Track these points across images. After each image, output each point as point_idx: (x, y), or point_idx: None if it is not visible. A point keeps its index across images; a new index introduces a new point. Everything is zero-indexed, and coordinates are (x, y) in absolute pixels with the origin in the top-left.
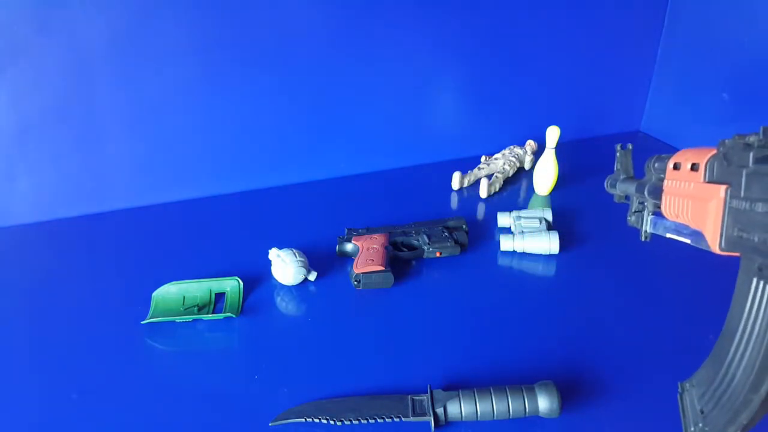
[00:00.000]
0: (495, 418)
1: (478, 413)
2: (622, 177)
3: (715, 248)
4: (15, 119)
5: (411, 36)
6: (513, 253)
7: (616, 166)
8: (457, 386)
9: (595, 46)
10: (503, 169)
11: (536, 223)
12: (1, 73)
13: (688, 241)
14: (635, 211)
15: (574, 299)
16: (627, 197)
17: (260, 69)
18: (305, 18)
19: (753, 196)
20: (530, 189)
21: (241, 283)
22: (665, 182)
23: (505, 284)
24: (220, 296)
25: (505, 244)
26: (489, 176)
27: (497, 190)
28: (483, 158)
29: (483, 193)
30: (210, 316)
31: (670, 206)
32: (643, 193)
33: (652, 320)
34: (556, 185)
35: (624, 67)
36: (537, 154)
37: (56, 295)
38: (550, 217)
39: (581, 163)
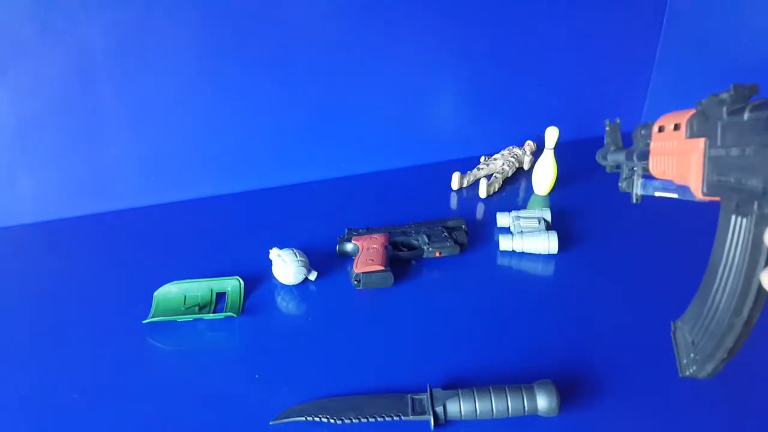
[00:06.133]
0: (494, 416)
1: (478, 412)
2: (612, 149)
3: (699, 194)
4: (16, 119)
5: (411, 36)
6: (512, 253)
7: (606, 139)
8: (456, 385)
9: (595, 46)
10: (502, 169)
11: (535, 223)
12: (2, 73)
13: (675, 195)
14: (626, 178)
15: (573, 299)
16: (618, 167)
17: (260, 69)
18: (305, 19)
19: (727, 144)
20: (529, 189)
21: (242, 282)
22: (652, 144)
23: (505, 284)
24: (221, 296)
25: (505, 244)
26: (488, 176)
27: (496, 190)
28: (482, 158)
29: (482, 193)
30: (211, 316)
31: (657, 165)
32: (633, 159)
33: (651, 320)
34: (555, 185)
35: (624, 67)
36: (536, 154)
37: (57, 295)
38: (549, 217)
39: (580, 163)
